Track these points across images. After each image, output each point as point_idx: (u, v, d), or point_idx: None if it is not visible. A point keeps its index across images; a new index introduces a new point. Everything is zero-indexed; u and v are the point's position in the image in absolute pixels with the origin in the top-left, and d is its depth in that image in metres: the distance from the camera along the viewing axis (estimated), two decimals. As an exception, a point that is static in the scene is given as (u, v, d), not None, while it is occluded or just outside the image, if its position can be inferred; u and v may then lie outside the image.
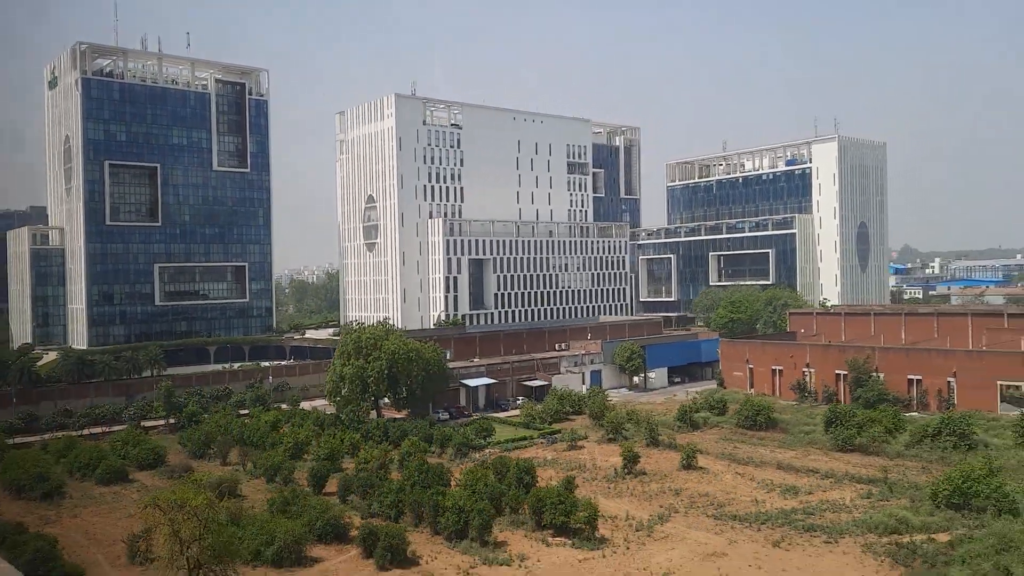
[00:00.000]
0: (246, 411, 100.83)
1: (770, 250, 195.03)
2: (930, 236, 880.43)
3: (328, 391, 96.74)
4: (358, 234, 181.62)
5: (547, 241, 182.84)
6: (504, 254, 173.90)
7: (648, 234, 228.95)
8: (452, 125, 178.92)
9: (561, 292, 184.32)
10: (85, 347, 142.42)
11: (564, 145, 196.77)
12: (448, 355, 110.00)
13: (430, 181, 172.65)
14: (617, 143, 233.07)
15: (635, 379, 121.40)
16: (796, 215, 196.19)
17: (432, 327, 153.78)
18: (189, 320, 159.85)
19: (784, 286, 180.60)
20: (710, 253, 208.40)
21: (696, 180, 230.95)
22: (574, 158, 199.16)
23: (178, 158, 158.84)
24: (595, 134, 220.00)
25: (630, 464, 68.01)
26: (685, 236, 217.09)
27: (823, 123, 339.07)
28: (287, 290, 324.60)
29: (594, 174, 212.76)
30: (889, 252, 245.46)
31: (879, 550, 47.11)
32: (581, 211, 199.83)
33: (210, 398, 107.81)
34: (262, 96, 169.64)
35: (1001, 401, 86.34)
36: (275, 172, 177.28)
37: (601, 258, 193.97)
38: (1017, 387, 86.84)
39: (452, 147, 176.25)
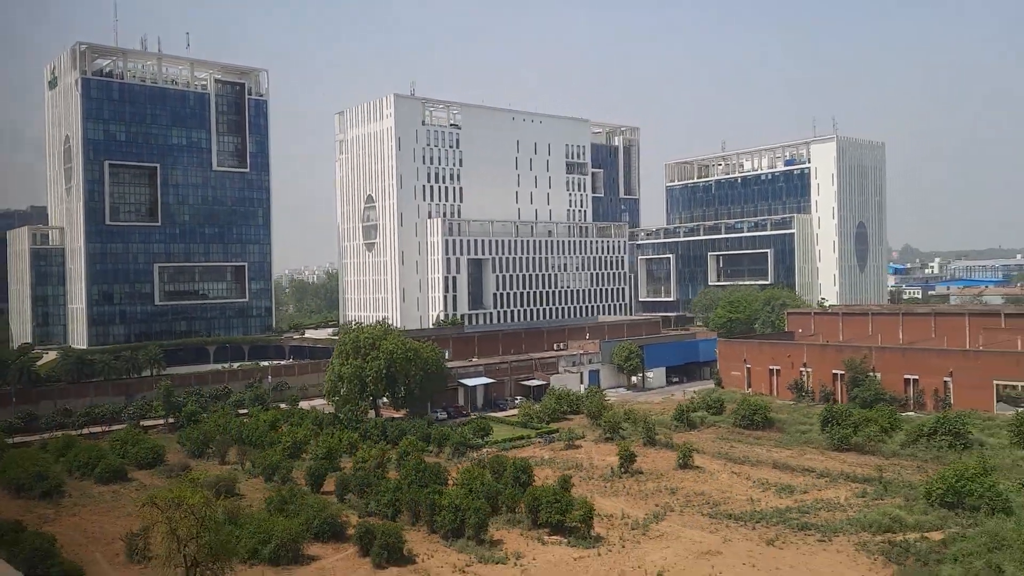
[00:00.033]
0: (245, 411, 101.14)
1: (769, 250, 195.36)
2: (930, 236, 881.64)
3: (326, 391, 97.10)
4: (357, 234, 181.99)
5: (546, 241, 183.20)
6: (503, 254, 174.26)
7: (647, 234, 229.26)
8: (451, 125, 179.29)
9: (560, 292, 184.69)
10: (85, 347, 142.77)
11: (563, 145, 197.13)
12: (446, 355, 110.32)
13: (429, 181, 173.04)
14: (616, 143, 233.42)
15: (633, 379, 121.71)
16: (795, 215, 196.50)
17: (431, 327, 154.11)
18: (189, 320, 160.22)
19: (783, 286, 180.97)
20: (709, 253, 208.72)
21: (695, 180, 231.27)
22: (573, 158, 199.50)
23: (178, 158, 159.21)
24: (594, 134, 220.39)
25: (626, 463, 68.31)
26: (684, 236, 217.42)
27: (822, 123, 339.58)
28: (287, 290, 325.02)
29: (593, 174, 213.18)
30: (889, 252, 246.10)
31: (872, 548, 47.42)
32: (580, 211, 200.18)
33: (209, 397, 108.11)
34: (262, 96, 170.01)
35: (997, 400, 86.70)
36: (275, 172, 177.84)
37: (600, 258, 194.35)
38: (1014, 387, 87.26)
39: (451, 147, 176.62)
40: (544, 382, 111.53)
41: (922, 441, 71.83)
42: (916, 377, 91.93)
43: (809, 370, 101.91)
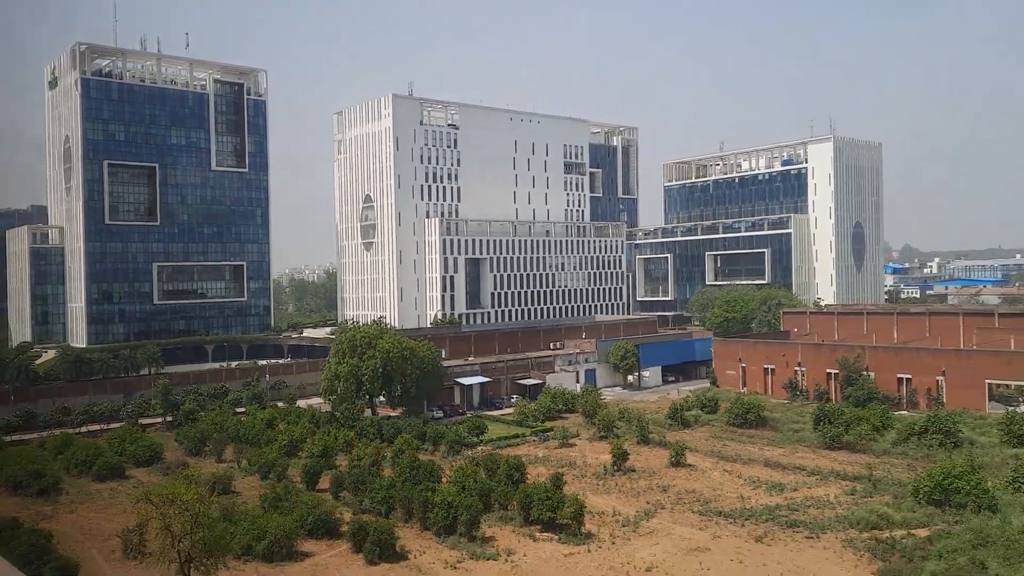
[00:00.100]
0: (243, 409, 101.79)
1: (766, 250, 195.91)
2: (931, 236, 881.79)
3: (323, 389, 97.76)
4: (356, 233, 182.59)
5: (544, 241, 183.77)
6: (501, 253, 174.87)
7: (645, 234, 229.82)
8: (449, 125, 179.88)
9: (558, 291, 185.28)
10: (84, 345, 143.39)
11: (561, 145, 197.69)
12: (443, 354, 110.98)
13: (427, 181, 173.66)
14: (615, 143, 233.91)
15: (629, 378, 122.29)
16: (792, 215, 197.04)
17: (429, 326, 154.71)
18: (187, 319, 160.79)
19: (780, 286, 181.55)
20: (706, 253, 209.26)
21: (693, 180, 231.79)
22: (571, 158, 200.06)
23: (177, 158, 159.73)
24: (593, 134, 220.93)
25: (619, 461, 68.90)
26: (682, 236, 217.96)
27: (820, 124, 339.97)
28: (287, 289, 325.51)
29: (592, 174, 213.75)
30: (889, 252, 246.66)
31: (859, 545, 48.01)
32: (578, 211, 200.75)
33: (207, 396, 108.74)
34: (260, 96, 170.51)
35: (989, 400, 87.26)
36: (275, 172, 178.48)
37: (598, 258, 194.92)
38: (1007, 386, 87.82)
39: (449, 147, 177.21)
40: (540, 381, 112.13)
41: (913, 440, 72.42)
42: (909, 376, 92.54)
43: (803, 369, 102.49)
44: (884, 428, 76.92)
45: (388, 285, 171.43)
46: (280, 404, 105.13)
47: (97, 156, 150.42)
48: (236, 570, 46.67)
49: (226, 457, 78.78)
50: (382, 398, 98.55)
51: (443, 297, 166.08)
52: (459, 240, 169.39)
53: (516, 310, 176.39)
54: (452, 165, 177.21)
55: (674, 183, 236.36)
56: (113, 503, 63.71)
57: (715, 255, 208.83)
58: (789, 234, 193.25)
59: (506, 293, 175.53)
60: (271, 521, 50.80)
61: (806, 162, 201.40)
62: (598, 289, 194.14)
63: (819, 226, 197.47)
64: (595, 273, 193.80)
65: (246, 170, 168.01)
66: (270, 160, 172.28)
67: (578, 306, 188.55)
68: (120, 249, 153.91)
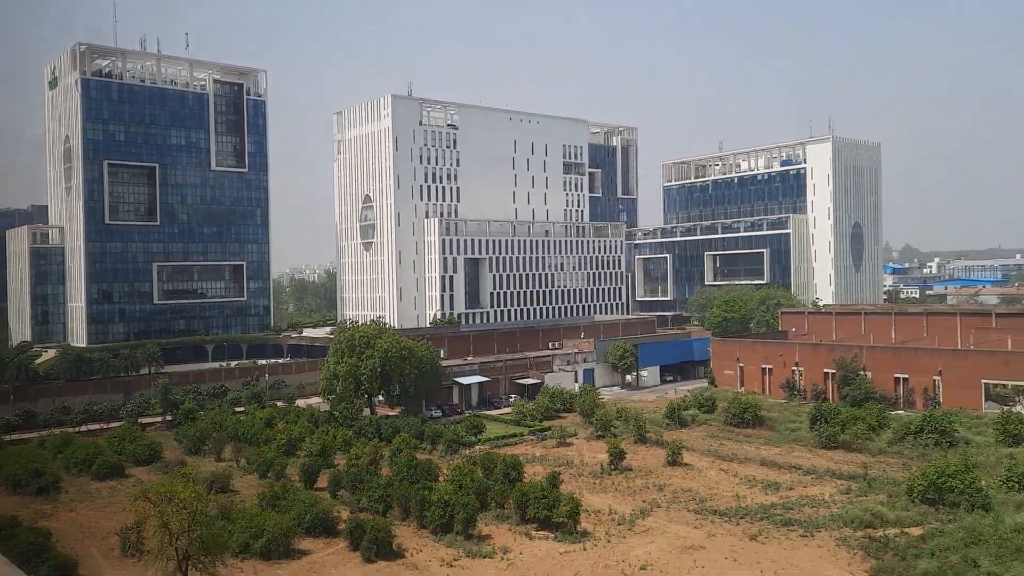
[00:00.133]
0: (242, 408, 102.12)
1: (764, 250, 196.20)
2: (931, 236, 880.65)
3: (322, 389, 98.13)
4: (355, 233, 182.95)
5: (543, 241, 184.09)
6: (500, 253, 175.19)
7: (644, 234, 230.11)
8: (448, 125, 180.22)
9: (557, 291, 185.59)
10: (84, 345, 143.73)
11: (560, 145, 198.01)
12: (442, 353, 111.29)
13: (426, 181, 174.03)
14: (614, 143, 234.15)
15: (628, 377, 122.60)
16: (791, 215, 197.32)
17: (428, 326, 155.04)
18: (187, 318, 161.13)
19: (779, 286, 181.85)
20: (705, 253, 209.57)
21: (692, 180, 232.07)
22: (570, 158, 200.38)
23: (176, 158, 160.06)
24: (592, 134, 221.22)
25: (616, 460, 69.24)
26: (681, 236, 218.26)
27: (820, 124, 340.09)
28: (287, 289, 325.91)
29: (591, 174, 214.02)
30: (889, 252, 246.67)
31: (853, 543, 48.33)
32: (577, 211, 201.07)
33: (207, 395, 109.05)
34: (260, 96, 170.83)
35: (986, 399, 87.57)
36: (276, 172, 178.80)
37: (597, 258, 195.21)
38: (1004, 385, 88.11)
39: (448, 147, 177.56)
40: (538, 380, 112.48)
41: (909, 439, 72.74)
42: (906, 376, 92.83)
43: (801, 369, 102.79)
44: (880, 427, 77.25)
45: (387, 285, 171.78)
46: (279, 403, 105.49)
47: (97, 156, 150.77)
48: (233, 568, 46.99)
49: (225, 456, 79.13)
50: (381, 398, 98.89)
51: (442, 297, 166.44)
52: (458, 240, 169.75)
53: (515, 310, 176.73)
54: (451, 165, 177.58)
55: (673, 183, 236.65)
56: (112, 502, 64.02)
57: (714, 255, 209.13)
58: (788, 234, 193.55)
59: (505, 293, 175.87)
60: (269, 519, 51.14)
61: (805, 162, 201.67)
62: (597, 289, 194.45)
63: (818, 226, 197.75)
64: (594, 273, 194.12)
65: (246, 170, 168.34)
66: (270, 160, 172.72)
67: (577, 306, 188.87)
68: (120, 249, 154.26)
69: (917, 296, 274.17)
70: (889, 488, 59.47)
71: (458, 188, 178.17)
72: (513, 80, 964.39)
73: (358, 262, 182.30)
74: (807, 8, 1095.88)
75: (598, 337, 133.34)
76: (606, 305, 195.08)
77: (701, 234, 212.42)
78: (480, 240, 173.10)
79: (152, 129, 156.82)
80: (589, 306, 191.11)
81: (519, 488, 56.43)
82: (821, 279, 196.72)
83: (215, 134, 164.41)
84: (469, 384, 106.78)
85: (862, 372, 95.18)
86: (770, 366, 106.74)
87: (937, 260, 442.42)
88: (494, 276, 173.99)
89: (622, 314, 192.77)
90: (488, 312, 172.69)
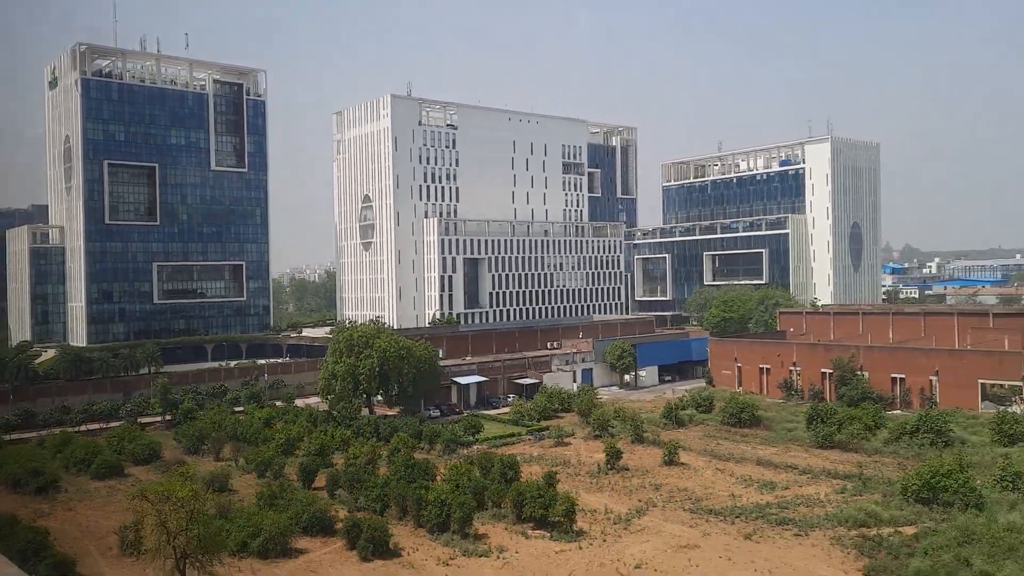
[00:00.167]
0: (241, 408, 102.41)
1: (763, 250, 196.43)
2: (932, 236, 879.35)
3: (320, 388, 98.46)
4: (355, 233, 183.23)
5: (542, 241, 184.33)
6: (499, 253, 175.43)
7: (643, 234, 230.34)
8: (448, 125, 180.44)
9: (556, 291, 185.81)
10: (84, 344, 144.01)
11: (559, 145, 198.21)
12: (440, 353, 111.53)
13: (425, 181, 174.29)
14: (614, 143, 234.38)
15: (626, 377, 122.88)
16: (789, 215, 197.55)
17: (427, 325, 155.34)
18: (187, 318, 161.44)
19: (777, 286, 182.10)
20: (704, 253, 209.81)
21: (691, 180, 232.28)
22: (569, 158, 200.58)
23: (176, 158, 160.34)
24: (592, 134, 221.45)
25: (613, 460, 69.53)
26: (680, 236, 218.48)
27: (819, 124, 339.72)
28: (287, 289, 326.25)
29: (591, 174, 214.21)
30: (889, 252, 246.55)
31: (847, 542, 48.64)
32: (576, 211, 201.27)
33: (206, 395, 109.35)
34: (260, 96, 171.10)
35: (983, 399, 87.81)
36: (276, 172, 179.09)
37: (596, 257, 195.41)
38: (1001, 385, 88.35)
39: (447, 147, 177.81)
40: (537, 380, 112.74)
41: (904, 439, 73.05)
42: (903, 376, 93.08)
43: (798, 369, 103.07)
44: (876, 427, 77.54)
45: (387, 285, 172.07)
46: (278, 403, 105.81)
47: (97, 156, 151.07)
48: (231, 566, 47.26)
49: (224, 455, 79.44)
50: (379, 397, 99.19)
51: (441, 297, 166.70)
52: (457, 240, 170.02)
53: (514, 310, 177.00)
54: (450, 165, 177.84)
55: (672, 183, 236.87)
56: (111, 501, 64.32)
57: (713, 255, 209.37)
58: (787, 234, 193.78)
59: (504, 293, 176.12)
60: (266, 518, 51.43)
61: (804, 162, 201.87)
62: (596, 289, 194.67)
63: (816, 226, 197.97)
64: (593, 273, 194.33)
65: (245, 170, 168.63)
66: (270, 160, 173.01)
67: (576, 306, 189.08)
68: (120, 249, 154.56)
69: (916, 296, 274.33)
70: (884, 488, 59.76)
71: (457, 188, 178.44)
72: (513, 80, 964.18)
73: (357, 262, 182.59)
74: (807, 8, 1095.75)
75: (597, 337, 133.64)
76: (605, 305, 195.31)
77: (700, 234, 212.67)
78: (479, 240, 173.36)
79: (152, 129, 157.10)
80: (588, 306, 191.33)
81: (515, 487, 56.72)
82: (820, 279, 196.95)
83: (215, 134, 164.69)
84: (467, 384, 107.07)
85: (859, 372, 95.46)
86: (768, 366, 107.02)
87: (937, 260, 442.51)
88: (493, 276, 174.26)
89: (621, 314, 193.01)
90: (487, 312, 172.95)
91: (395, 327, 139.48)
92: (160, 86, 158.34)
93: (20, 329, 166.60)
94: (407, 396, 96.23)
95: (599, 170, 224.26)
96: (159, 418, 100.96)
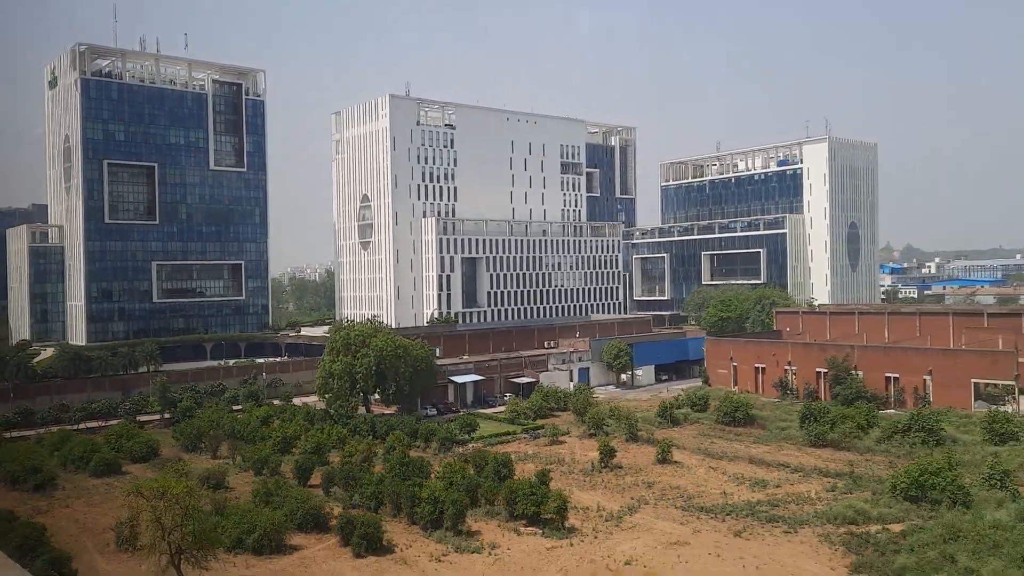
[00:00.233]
0: (239, 406, 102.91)
1: (761, 250, 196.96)
2: (934, 236, 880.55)
3: (318, 387, 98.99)
4: (353, 233, 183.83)
5: (540, 240, 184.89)
6: (497, 253, 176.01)
7: (642, 233, 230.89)
8: (446, 125, 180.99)
9: (554, 291, 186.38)
10: (83, 343, 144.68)
11: (558, 145, 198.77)
12: (438, 352, 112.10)
13: (424, 181, 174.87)
14: (613, 143, 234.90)
15: (623, 377, 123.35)
16: (787, 215, 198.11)
17: (425, 325, 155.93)
18: (186, 317, 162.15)
19: (775, 285, 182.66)
20: (703, 252, 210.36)
21: (690, 180, 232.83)
22: (568, 158, 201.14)
23: (176, 158, 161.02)
24: (591, 134, 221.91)
25: (607, 458, 70.02)
26: (678, 236, 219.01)
27: (818, 124, 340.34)
28: (288, 288, 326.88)
29: (590, 174, 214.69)
30: (890, 252, 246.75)
31: (835, 539, 49.14)
32: (574, 211, 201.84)
33: (205, 393, 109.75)
34: (259, 96, 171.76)
35: (976, 398, 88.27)
36: (276, 171, 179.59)
37: (594, 257, 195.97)
38: (995, 385, 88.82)
39: (446, 147, 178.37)
40: (533, 379, 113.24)
41: (896, 437, 73.51)
42: (897, 375, 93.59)
43: (794, 368, 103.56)
44: (869, 426, 78.00)
45: (385, 284, 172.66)
46: (276, 402, 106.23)
47: (97, 155, 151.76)
48: (226, 562, 47.83)
49: (221, 453, 79.95)
50: (376, 396, 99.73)
51: (440, 296, 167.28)
52: (455, 239, 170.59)
53: (512, 309, 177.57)
54: (449, 165, 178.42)
55: (671, 183, 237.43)
56: (108, 498, 64.82)
57: (711, 255, 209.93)
58: (784, 234, 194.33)
59: (502, 292, 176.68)
60: (261, 515, 51.95)
61: (801, 162, 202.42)
62: (594, 289, 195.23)
63: (814, 226, 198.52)
64: (591, 273, 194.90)
65: (244, 170, 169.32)
66: (269, 160, 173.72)
67: (574, 305, 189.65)
68: (119, 248, 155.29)
69: (915, 296, 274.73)
70: (874, 486, 60.28)
71: (455, 188, 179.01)
72: (512, 80, 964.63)
73: (356, 261, 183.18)
74: (807, 8, 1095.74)
75: (594, 336, 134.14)
76: (603, 304, 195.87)
77: (698, 234, 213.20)
78: (477, 240, 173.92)
79: (151, 129, 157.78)
80: (586, 305, 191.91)
81: (508, 485, 57.27)
82: (817, 279, 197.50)
83: (214, 134, 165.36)
84: (464, 383, 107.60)
85: (854, 371, 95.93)
86: (763, 365, 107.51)
87: (937, 260, 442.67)
88: (491, 275, 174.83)
89: (619, 314, 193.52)
90: (485, 311, 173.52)
91: (393, 326, 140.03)
92: (159, 86, 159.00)
93: (20, 328, 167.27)
94: (404, 395, 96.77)
95: (598, 170, 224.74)
96: (158, 416, 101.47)
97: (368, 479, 61.05)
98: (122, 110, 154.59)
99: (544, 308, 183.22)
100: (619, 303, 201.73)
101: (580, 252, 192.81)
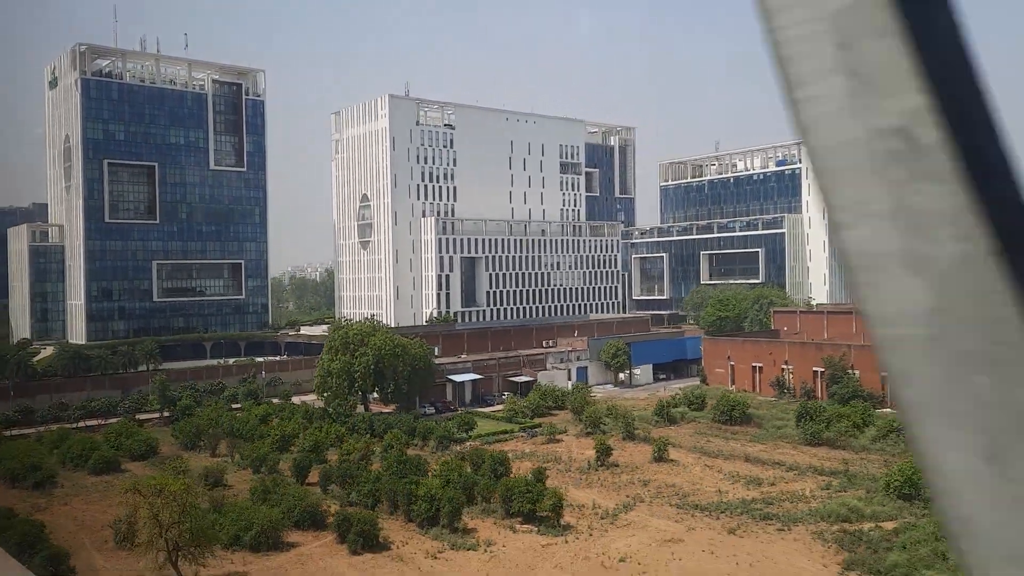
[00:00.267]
0: (239, 405, 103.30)
1: (760, 249, 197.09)
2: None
3: (316, 386, 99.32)
4: (353, 232, 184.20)
5: (539, 240, 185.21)
6: (496, 252, 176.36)
7: (641, 233, 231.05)
8: (445, 125, 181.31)
9: (553, 290, 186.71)
10: (83, 342, 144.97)
11: (557, 145, 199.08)
12: (436, 351, 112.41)
13: (423, 180, 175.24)
14: (612, 143, 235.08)
15: (621, 376, 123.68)
16: (785, 215, 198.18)
17: (424, 324, 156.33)
18: (186, 316, 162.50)
19: (774, 285, 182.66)
20: (701, 252, 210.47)
21: (689, 180, 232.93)
22: (567, 158, 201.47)
23: (176, 157, 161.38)
24: (590, 133, 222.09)
25: (603, 456, 70.35)
26: (677, 235, 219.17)
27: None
28: (288, 287, 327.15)
29: (589, 174, 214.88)
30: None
31: (828, 537, 49.54)
32: (573, 211, 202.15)
33: (204, 392, 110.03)
34: (259, 96, 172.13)
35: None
36: (278, 171, 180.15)
37: (593, 257, 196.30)
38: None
39: (445, 147, 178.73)
40: (531, 378, 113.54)
41: (892, 436, 73.83)
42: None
43: (790, 367, 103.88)
44: (865, 425, 78.41)
45: (385, 284, 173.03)
46: (275, 400, 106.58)
47: (97, 155, 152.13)
48: (223, 559, 48.24)
49: (220, 451, 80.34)
50: (375, 395, 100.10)
51: (439, 295, 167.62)
52: (455, 239, 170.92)
53: (511, 308, 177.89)
54: (448, 165, 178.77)
55: (670, 183, 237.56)
56: (107, 495, 65.07)
57: (710, 254, 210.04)
58: (783, 234, 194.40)
59: (501, 292, 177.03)
60: (259, 513, 52.37)
61: (800, 162, 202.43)
62: (593, 288, 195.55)
63: (812, 226, 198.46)
64: (590, 272, 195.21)
65: (244, 169, 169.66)
66: (269, 160, 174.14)
67: (573, 305, 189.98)
68: (120, 247, 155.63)
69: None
70: (868, 484, 60.66)
71: (455, 187, 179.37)
72: (511, 80, 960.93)
73: (356, 261, 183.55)
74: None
75: (592, 335, 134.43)
76: (602, 304, 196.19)
77: (697, 233, 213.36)
78: (476, 239, 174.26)
79: (151, 128, 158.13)
80: (585, 305, 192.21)
81: (504, 483, 57.68)
82: (816, 278, 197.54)
83: (214, 133, 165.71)
84: (463, 381, 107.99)
85: (850, 371, 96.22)
86: (760, 364, 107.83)
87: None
88: (490, 275, 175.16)
89: (618, 313, 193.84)
90: (484, 311, 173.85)
91: (393, 325, 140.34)
92: (160, 86, 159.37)
93: (21, 326, 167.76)
94: (402, 393, 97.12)
95: (597, 170, 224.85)
96: (157, 415, 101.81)
97: (365, 477, 61.44)
98: (122, 110, 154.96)
99: (543, 307, 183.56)
100: (618, 302, 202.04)
101: (579, 252, 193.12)
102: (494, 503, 57.75)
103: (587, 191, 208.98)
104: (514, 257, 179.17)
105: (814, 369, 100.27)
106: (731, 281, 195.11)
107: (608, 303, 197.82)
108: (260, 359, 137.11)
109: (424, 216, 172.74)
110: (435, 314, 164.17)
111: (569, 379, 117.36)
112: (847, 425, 77.01)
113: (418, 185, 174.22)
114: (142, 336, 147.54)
